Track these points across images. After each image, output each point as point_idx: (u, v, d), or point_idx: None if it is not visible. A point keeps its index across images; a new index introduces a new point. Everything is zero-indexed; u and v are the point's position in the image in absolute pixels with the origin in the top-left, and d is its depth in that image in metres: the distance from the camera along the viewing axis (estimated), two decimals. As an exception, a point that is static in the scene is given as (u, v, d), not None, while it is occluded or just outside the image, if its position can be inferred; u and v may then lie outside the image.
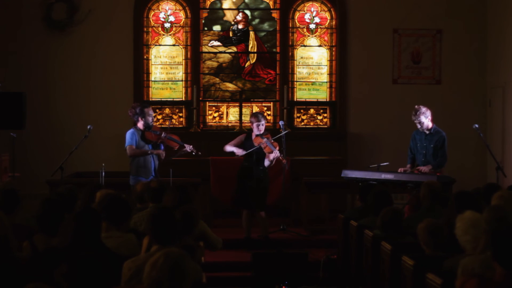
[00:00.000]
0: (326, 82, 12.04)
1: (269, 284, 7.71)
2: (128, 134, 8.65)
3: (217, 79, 12.04)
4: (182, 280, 3.46)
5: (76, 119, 11.24)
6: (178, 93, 11.94)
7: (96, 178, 8.92)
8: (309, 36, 12.02)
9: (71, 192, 6.43)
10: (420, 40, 11.84)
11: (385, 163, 9.27)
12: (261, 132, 8.88)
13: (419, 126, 8.92)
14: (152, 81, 11.88)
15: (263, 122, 8.92)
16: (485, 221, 4.77)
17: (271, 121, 11.81)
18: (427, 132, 8.91)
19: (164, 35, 11.92)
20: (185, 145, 8.84)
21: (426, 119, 8.89)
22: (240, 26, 12.01)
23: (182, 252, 3.59)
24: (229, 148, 8.96)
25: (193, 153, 8.95)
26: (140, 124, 8.66)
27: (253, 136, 8.93)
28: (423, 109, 8.89)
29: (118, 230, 5.11)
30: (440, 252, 5.23)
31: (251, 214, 8.96)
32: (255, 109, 11.90)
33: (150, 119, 8.67)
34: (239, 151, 8.86)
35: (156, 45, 11.90)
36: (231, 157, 10.32)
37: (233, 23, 12.02)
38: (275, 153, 8.78)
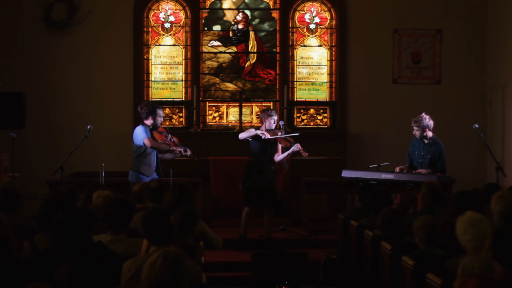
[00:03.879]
0: (326, 82, 12.05)
1: (269, 284, 7.70)
2: (141, 129, 8.50)
3: (217, 79, 12.04)
4: (181, 280, 3.46)
5: (76, 119, 11.24)
6: (178, 93, 11.94)
7: (96, 178, 8.91)
8: (309, 36, 12.03)
9: (72, 192, 6.43)
10: (420, 40, 11.84)
11: (385, 163, 9.27)
12: (273, 127, 8.92)
13: (416, 135, 8.89)
14: (152, 81, 11.89)
15: (276, 117, 8.97)
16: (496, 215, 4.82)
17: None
18: (426, 141, 8.88)
19: (164, 35, 11.92)
20: (186, 148, 8.79)
21: (421, 130, 8.79)
22: (240, 26, 12.02)
23: (180, 251, 3.59)
24: (246, 133, 8.88)
25: (191, 158, 8.87)
26: (148, 122, 8.60)
27: (263, 131, 8.91)
28: (425, 120, 8.81)
29: (124, 234, 5.11)
30: (435, 248, 5.25)
31: (253, 212, 8.95)
32: (255, 109, 11.90)
33: (159, 120, 8.63)
34: (264, 133, 8.79)
35: (156, 45, 11.90)
36: (231, 157, 10.35)
37: (233, 23, 12.02)
38: (297, 146, 8.87)
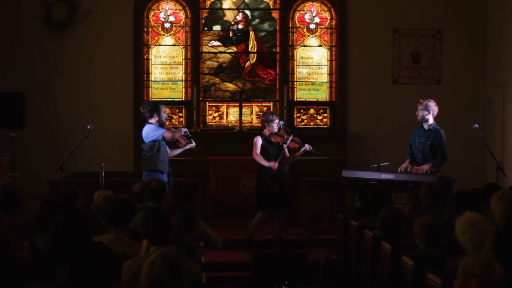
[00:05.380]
0: (326, 82, 12.05)
1: (269, 284, 7.71)
2: (151, 127, 8.49)
3: (217, 79, 12.04)
4: (180, 280, 3.46)
5: (76, 119, 11.24)
6: (178, 93, 11.94)
7: (96, 178, 8.92)
8: (309, 36, 12.03)
9: (71, 192, 6.44)
10: (420, 40, 11.84)
11: (385, 163, 9.26)
12: (276, 130, 8.86)
13: (417, 116, 8.88)
14: (152, 81, 11.89)
15: (277, 120, 8.91)
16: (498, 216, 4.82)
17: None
18: (426, 128, 8.88)
19: (164, 35, 11.92)
20: (191, 140, 8.81)
21: (425, 111, 8.80)
22: (240, 26, 12.02)
23: (179, 251, 3.58)
24: (260, 161, 8.72)
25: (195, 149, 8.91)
26: (153, 121, 8.60)
27: (267, 135, 8.83)
28: (432, 103, 8.83)
29: (126, 234, 5.12)
30: (436, 248, 5.24)
31: (267, 217, 8.86)
32: (255, 109, 11.90)
33: (164, 115, 8.66)
34: (274, 165, 8.69)
35: (156, 45, 11.90)
36: (231, 157, 10.35)
37: (233, 23, 12.03)
38: (307, 146, 8.83)
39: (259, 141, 8.78)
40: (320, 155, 10.92)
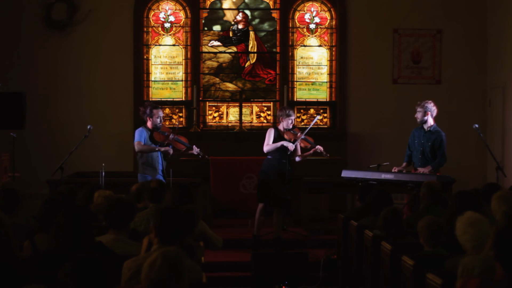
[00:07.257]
0: (326, 82, 12.05)
1: (269, 284, 7.71)
2: (137, 132, 8.58)
3: (217, 79, 12.04)
4: (180, 280, 3.46)
5: (76, 119, 11.24)
6: (178, 93, 11.94)
7: (96, 178, 8.91)
8: (309, 36, 12.03)
9: (72, 192, 6.44)
10: (420, 40, 11.84)
11: (385, 163, 9.27)
12: (290, 127, 8.82)
13: (417, 119, 8.88)
14: (152, 81, 11.89)
15: (293, 117, 8.85)
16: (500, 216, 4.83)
17: (271, 121, 11.81)
18: (426, 129, 8.88)
19: (164, 35, 11.92)
20: (193, 147, 8.75)
21: (423, 113, 8.81)
22: (240, 26, 12.02)
23: (179, 251, 3.59)
24: (272, 146, 8.70)
25: (200, 156, 8.83)
26: (149, 124, 8.62)
27: (281, 129, 8.77)
28: (429, 104, 8.84)
29: (125, 235, 5.12)
30: (440, 249, 5.24)
31: (264, 209, 8.83)
32: (255, 109, 11.90)
33: (158, 120, 8.61)
34: (289, 144, 8.65)
35: (156, 45, 11.90)
36: (231, 157, 10.34)
37: (233, 23, 12.03)
38: (319, 147, 8.78)
39: (272, 132, 8.76)
40: (320, 155, 10.96)
